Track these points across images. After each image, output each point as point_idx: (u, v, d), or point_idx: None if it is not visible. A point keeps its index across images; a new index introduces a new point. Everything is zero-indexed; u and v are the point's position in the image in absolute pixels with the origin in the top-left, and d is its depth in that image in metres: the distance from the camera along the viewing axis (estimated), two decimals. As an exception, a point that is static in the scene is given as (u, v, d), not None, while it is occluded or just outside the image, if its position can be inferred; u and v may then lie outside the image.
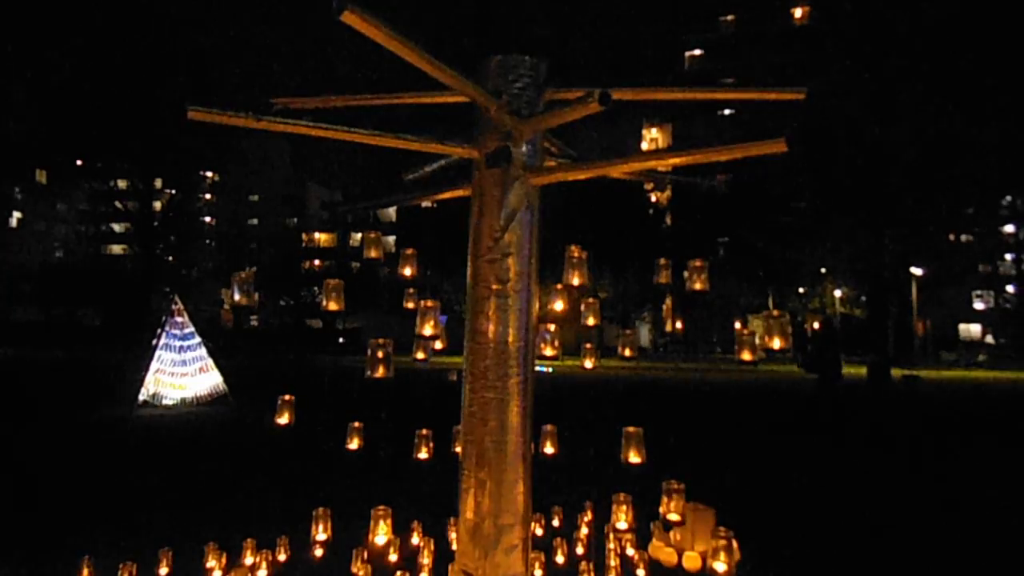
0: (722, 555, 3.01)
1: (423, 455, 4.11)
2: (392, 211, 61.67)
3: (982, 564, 5.81)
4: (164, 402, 15.22)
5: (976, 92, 24.78)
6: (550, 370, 22.89)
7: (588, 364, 4.00)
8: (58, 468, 9.02)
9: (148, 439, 11.52)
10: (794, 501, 7.84)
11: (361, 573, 3.71)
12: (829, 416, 14.36)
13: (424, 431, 4.15)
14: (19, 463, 9.30)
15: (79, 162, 48.50)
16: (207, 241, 60.96)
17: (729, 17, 67.09)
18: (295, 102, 3.09)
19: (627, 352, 3.90)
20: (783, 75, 38.64)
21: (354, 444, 3.96)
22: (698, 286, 3.50)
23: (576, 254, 3.37)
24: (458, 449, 3.14)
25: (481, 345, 2.85)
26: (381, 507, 3.45)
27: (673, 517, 3.67)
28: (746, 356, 2.98)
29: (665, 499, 3.62)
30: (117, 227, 58.55)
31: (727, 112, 57.87)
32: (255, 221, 73.81)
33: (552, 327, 3.67)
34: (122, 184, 51.52)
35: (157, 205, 48.29)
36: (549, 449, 4.07)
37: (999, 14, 25.96)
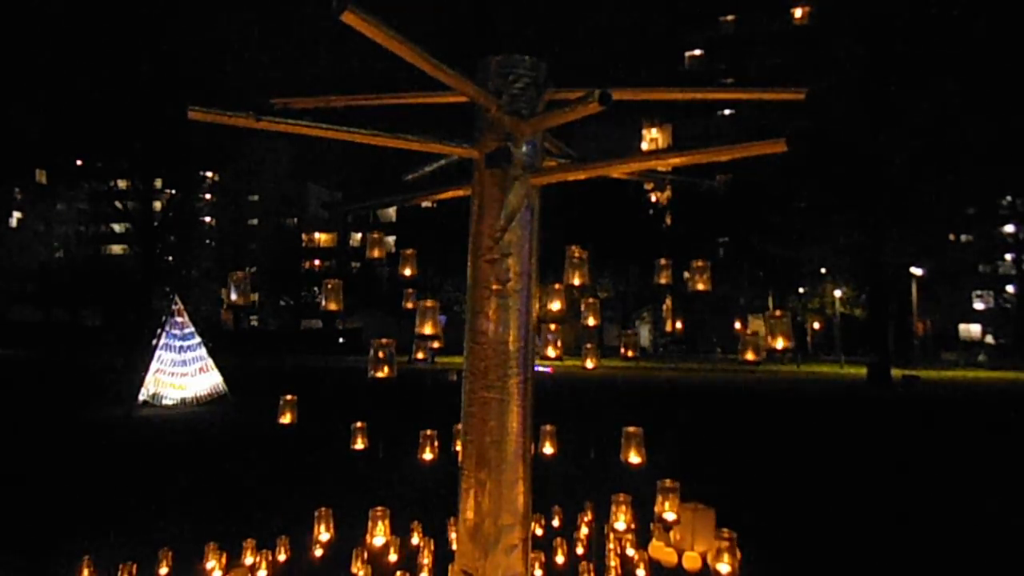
0: (725, 556, 3.00)
1: (427, 455, 4.10)
2: (392, 211, 61.66)
3: (981, 563, 5.81)
4: (164, 402, 15.22)
5: (976, 91, 24.76)
6: (551, 370, 22.88)
7: (589, 364, 3.99)
8: (58, 468, 9.02)
9: (148, 439, 11.53)
10: (793, 502, 7.84)
11: (361, 573, 3.70)
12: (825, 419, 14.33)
13: (429, 431, 4.14)
14: (19, 463, 9.29)
15: (79, 162, 48.42)
16: (207, 241, 60.90)
17: (729, 17, 67.09)
18: (295, 102, 3.08)
19: (629, 353, 3.89)
20: (783, 75, 38.62)
21: (358, 445, 3.95)
22: (700, 286, 3.48)
23: (576, 254, 3.35)
24: (458, 449, 3.13)
25: (481, 345, 2.84)
26: (379, 508, 3.44)
27: (668, 516, 3.66)
28: (749, 356, 2.97)
29: (660, 498, 3.60)
30: (117, 227, 58.49)
31: (727, 112, 57.88)
32: (255, 221, 73.74)
33: (553, 327, 3.65)
34: (122, 184, 51.43)
35: (157, 205, 48.19)
36: (549, 449, 4.06)
37: (997, 13, 25.95)
